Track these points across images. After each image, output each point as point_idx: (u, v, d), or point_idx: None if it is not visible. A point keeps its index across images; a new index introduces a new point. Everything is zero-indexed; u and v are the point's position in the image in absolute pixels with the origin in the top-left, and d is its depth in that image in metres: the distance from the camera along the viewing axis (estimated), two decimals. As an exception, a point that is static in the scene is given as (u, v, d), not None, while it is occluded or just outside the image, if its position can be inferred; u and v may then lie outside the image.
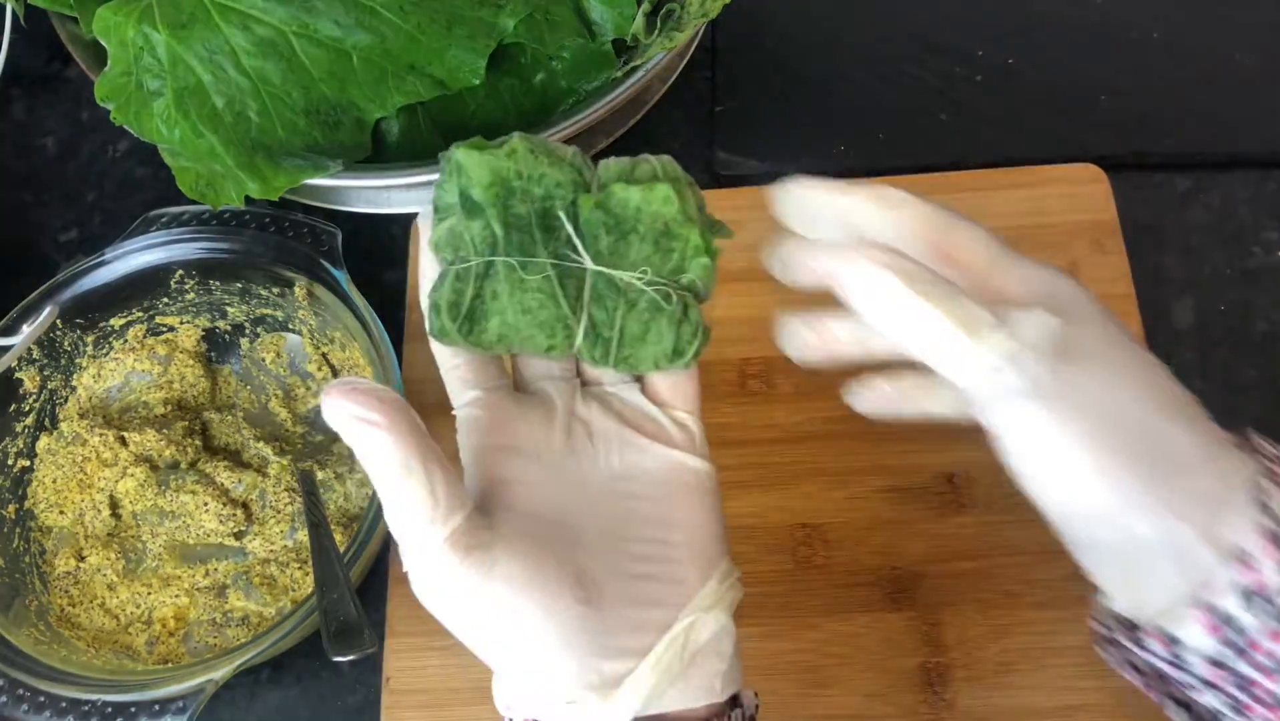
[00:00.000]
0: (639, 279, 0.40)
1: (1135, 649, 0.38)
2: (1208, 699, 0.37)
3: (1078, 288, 0.40)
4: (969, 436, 0.62)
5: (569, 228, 0.40)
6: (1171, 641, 0.36)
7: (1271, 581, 0.34)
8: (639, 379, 0.43)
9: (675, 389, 0.42)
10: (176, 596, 0.64)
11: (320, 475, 0.65)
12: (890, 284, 0.36)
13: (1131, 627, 0.39)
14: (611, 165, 0.41)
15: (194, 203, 0.66)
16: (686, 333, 0.41)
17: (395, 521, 0.36)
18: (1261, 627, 0.34)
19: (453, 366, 0.42)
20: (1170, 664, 0.37)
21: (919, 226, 0.40)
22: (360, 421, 0.36)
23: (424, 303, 0.41)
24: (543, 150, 0.40)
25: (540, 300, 0.40)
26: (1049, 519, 0.39)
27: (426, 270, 0.41)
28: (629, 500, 0.40)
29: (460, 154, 0.39)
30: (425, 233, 0.42)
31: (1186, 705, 0.39)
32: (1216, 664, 0.36)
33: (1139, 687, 0.41)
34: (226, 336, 0.70)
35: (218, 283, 0.68)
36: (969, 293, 0.37)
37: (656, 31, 0.69)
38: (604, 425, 0.41)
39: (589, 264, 0.40)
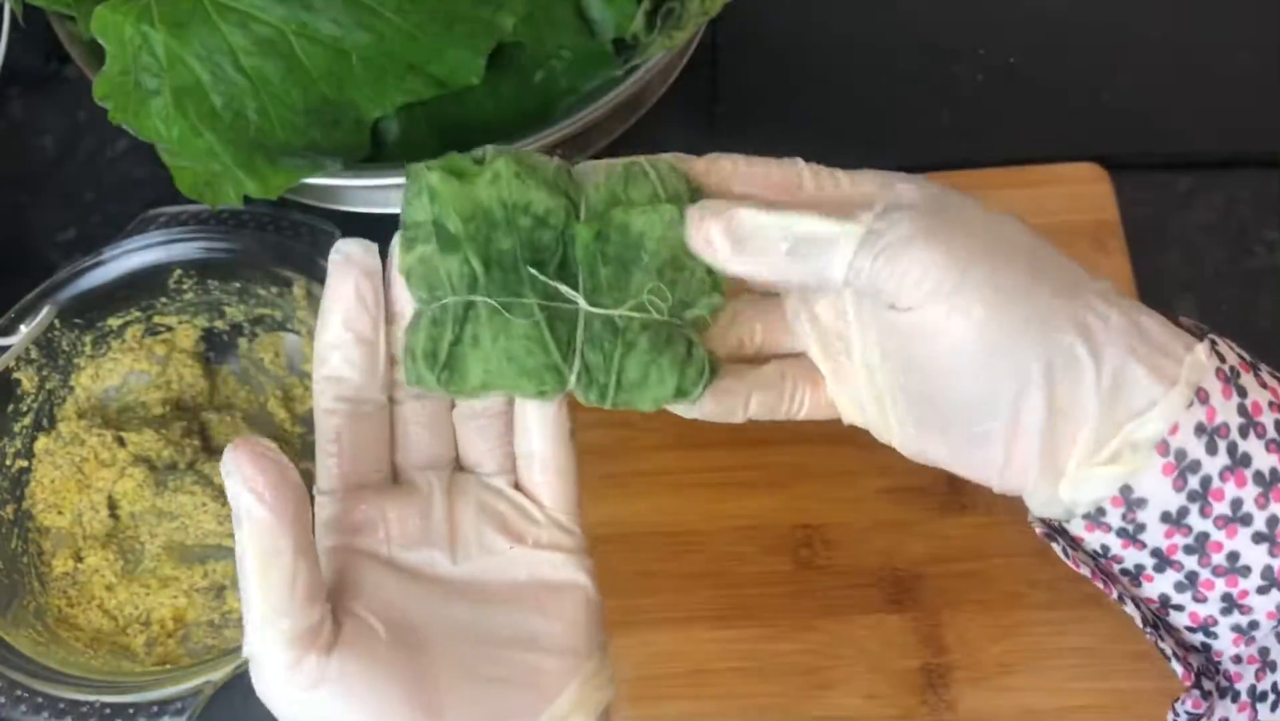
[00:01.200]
0: (639, 317, 0.36)
1: (1089, 531, 0.36)
2: (1157, 583, 0.35)
3: (917, 179, 0.38)
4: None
5: (564, 258, 0.36)
6: (1129, 504, 0.34)
7: (1227, 415, 0.32)
8: (514, 469, 0.41)
9: (551, 490, 0.41)
10: (175, 597, 0.64)
11: (319, 475, 0.65)
12: (742, 216, 0.35)
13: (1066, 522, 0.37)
14: (601, 179, 0.37)
15: (192, 202, 0.66)
16: (691, 374, 0.38)
17: (247, 602, 0.35)
18: (1218, 468, 0.33)
19: (330, 452, 0.39)
20: (1123, 536, 0.35)
21: (738, 182, 0.38)
22: (248, 490, 0.34)
23: (398, 342, 0.38)
24: (529, 172, 0.35)
25: (527, 346, 0.35)
26: (946, 409, 0.36)
27: (401, 299, 0.38)
28: (485, 605, 0.38)
29: (435, 179, 0.35)
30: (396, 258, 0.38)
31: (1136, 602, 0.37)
32: (1177, 524, 0.34)
33: (1090, 579, 0.38)
34: (225, 336, 0.70)
35: (216, 282, 0.68)
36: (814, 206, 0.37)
37: (656, 30, 0.69)
38: (468, 523, 0.39)
39: (583, 305, 0.36)
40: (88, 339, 0.68)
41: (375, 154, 0.68)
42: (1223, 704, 0.35)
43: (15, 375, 0.66)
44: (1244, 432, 0.33)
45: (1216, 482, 0.33)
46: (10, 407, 0.66)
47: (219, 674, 0.56)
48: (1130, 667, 0.57)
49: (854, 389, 0.39)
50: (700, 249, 0.36)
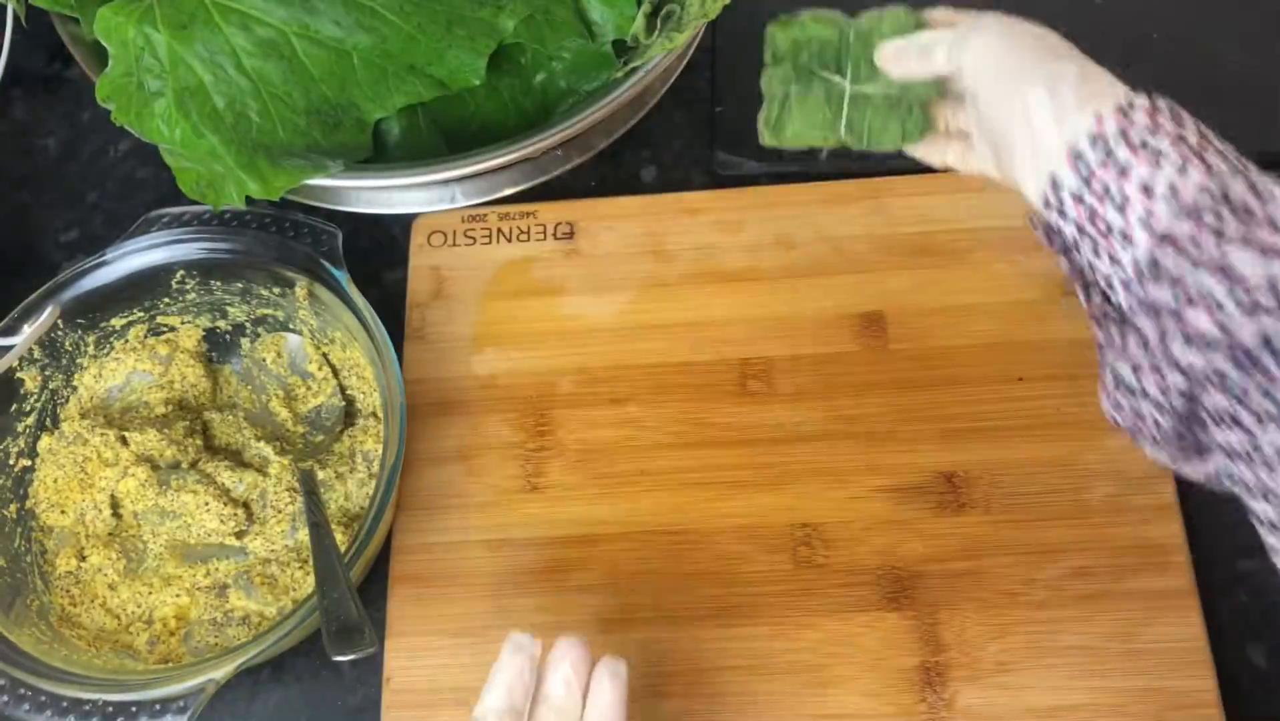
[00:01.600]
0: (880, 93, 0.59)
1: (1046, 212, 0.50)
2: (1085, 250, 0.49)
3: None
4: (968, 436, 0.63)
5: (839, 60, 0.60)
6: (1055, 188, 0.49)
7: (1109, 131, 0.48)
8: None
9: None
10: (177, 596, 0.64)
11: (321, 475, 0.65)
12: (890, 46, 0.57)
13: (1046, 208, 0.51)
14: (864, 18, 0.60)
15: (195, 203, 0.66)
16: (911, 126, 0.59)
17: None
18: (1097, 160, 0.48)
19: None
20: (1059, 213, 0.49)
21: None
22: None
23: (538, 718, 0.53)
24: (822, 20, 0.61)
25: (817, 112, 0.60)
26: (987, 115, 0.53)
27: (552, 683, 0.51)
28: None
29: (773, 29, 0.62)
30: None
31: (1086, 284, 0.51)
32: (1078, 200, 0.48)
33: (1068, 274, 0.51)
34: (227, 336, 0.70)
35: (218, 283, 0.68)
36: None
37: (656, 32, 0.69)
38: None
39: (846, 86, 0.60)
40: (91, 339, 0.68)
41: (377, 155, 0.69)
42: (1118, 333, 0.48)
43: (19, 375, 0.66)
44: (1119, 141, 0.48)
45: (1095, 169, 0.48)
46: (14, 407, 0.66)
47: (221, 672, 0.56)
48: (1127, 666, 0.57)
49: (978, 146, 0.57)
50: (882, 66, 0.58)
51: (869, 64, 0.61)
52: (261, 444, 0.67)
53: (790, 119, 0.62)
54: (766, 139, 0.64)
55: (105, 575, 0.64)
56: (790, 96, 0.62)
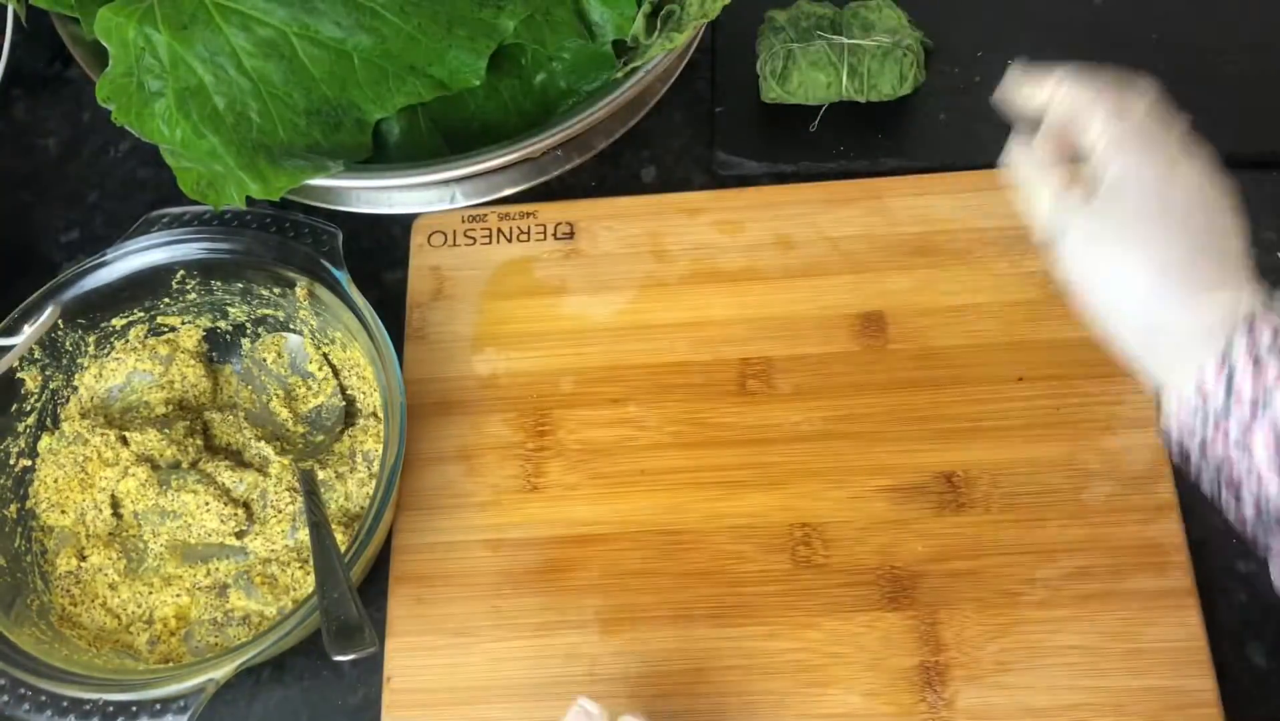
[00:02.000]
0: (874, 44, 0.71)
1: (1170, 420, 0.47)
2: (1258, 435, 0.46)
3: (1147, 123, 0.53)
4: (968, 436, 0.63)
5: (834, 26, 0.73)
6: (1166, 421, 0.47)
7: (1208, 389, 0.45)
8: None
9: None
10: (178, 596, 0.64)
11: (321, 475, 0.65)
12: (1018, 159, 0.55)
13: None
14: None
15: (195, 203, 0.66)
16: (906, 69, 0.71)
17: None
18: (1198, 423, 0.46)
19: None
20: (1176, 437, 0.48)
21: (1072, 99, 0.53)
22: None
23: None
24: (816, 2, 0.75)
25: (819, 64, 0.72)
26: (1107, 322, 0.49)
27: None
28: None
29: (771, 12, 0.74)
30: None
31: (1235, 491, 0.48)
32: (1190, 435, 0.47)
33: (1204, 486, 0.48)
34: (228, 336, 0.71)
35: (219, 283, 0.69)
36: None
37: (656, 32, 0.69)
38: None
39: (846, 40, 0.72)
40: (91, 339, 0.68)
41: (377, 155, 0.69)
42: None
43: (19, 375, 0.66)
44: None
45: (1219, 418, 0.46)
46: (14, 407, 0.66)
47: (221, 672, 0.56)
48: (1127, 666, 0.57)
49: None
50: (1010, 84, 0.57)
51: (862, 29, 0.72)
52: (262, 444, 0.67)
53: (796, 68, 0.72)
54: (773, 91, 0.73)
55: (105, 575, 0.64)
56: (794, 51, 0.72)
